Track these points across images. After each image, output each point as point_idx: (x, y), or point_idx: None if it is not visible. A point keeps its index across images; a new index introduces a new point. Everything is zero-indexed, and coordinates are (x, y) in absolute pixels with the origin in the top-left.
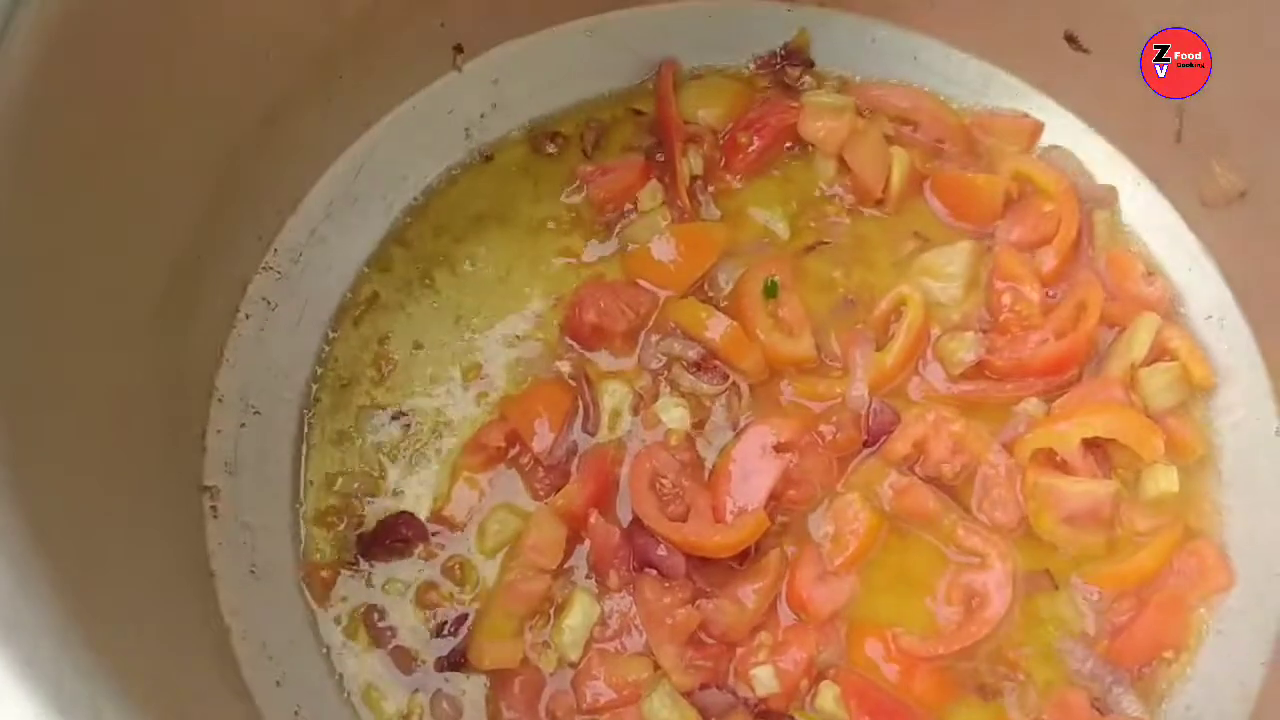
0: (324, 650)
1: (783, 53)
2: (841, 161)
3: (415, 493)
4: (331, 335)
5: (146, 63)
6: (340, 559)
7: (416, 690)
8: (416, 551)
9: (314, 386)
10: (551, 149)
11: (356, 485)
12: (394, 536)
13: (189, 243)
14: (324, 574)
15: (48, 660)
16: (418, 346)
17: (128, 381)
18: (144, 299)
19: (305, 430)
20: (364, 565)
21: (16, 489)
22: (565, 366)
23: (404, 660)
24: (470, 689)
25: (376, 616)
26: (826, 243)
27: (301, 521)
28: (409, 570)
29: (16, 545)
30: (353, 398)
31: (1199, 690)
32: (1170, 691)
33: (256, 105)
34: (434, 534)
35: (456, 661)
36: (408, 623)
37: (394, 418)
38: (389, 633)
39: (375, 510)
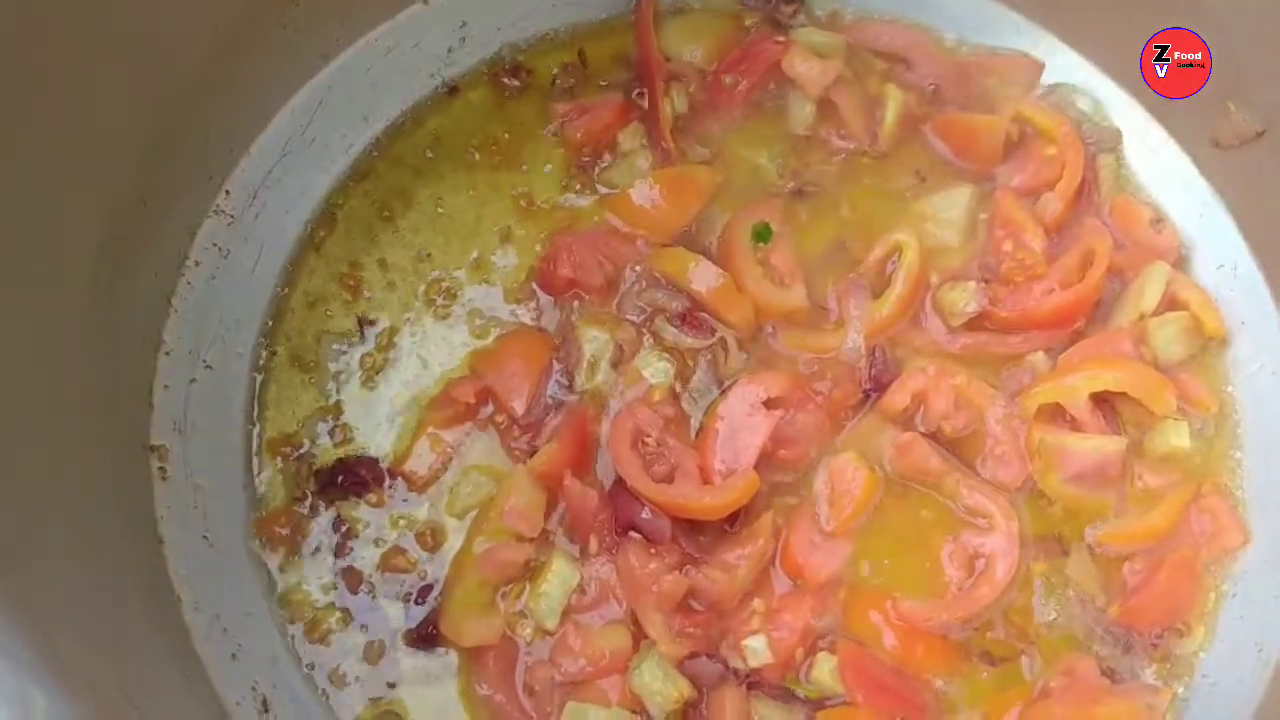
0: (282, 622)
1: None
2: (825, 105)
3: (377, 447)
4: (290, 271)
5: None
6: (293, 499)
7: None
8: (369, 498)
9: (269, 338)
10: (515, 84)
11: (313, 438)
12: (352, 478)
13: (132, 183)
14: (278, 528)
15: None
16: (384, 268)
17: (66, 334)
18: (83, 244)
19: (260, 386)
20: (318, 505)
21: None
22: (525, 314)
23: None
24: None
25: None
26: (818, 185)
27: (255, 471)
28: (368, 517)
29: None
30: (315, 324)
31: (1215, 656)
32: (1184, 657)
33: (204, 35)
34: (390, 486)
35: (429, 635)
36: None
37: (357, 337)
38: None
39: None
